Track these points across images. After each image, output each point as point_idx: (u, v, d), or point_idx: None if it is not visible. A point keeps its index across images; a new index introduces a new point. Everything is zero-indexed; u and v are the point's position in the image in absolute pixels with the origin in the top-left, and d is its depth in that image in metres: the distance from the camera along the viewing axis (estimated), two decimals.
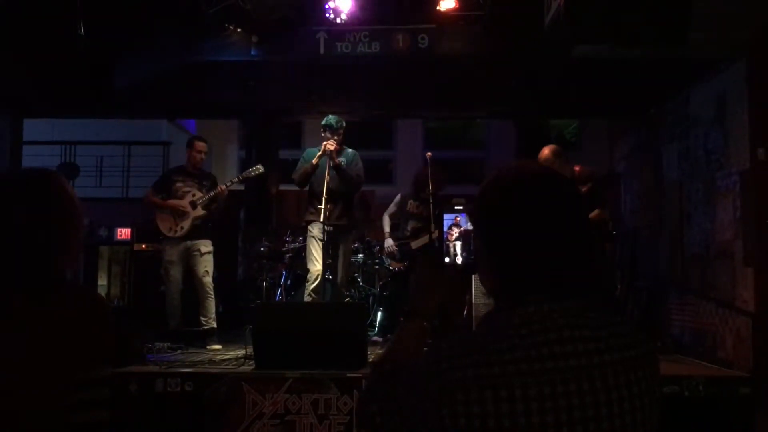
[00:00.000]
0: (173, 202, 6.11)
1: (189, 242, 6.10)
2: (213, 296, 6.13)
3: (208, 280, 6.10)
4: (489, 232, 1.28)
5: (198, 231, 6.14)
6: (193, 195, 6.14)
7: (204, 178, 6.29)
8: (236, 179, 6.37)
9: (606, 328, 1.21)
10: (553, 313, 1.18)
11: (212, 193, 6.12)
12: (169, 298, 6.08)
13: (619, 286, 6.71)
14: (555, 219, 1.21)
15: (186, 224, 6.08)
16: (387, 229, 6.82)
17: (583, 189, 5.64)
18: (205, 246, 6.14)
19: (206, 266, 6.10)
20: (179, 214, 6.08)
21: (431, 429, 1.14)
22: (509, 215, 1.23)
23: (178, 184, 6.20)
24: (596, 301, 1.24)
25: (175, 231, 6.09)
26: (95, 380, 1.47)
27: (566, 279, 1.21)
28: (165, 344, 5.61)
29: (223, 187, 6.16)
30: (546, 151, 5.66)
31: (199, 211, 6.10)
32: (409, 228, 6.72)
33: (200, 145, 6.33)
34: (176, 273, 6.08)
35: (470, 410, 1.11)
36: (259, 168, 6.28)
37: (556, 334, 1.16)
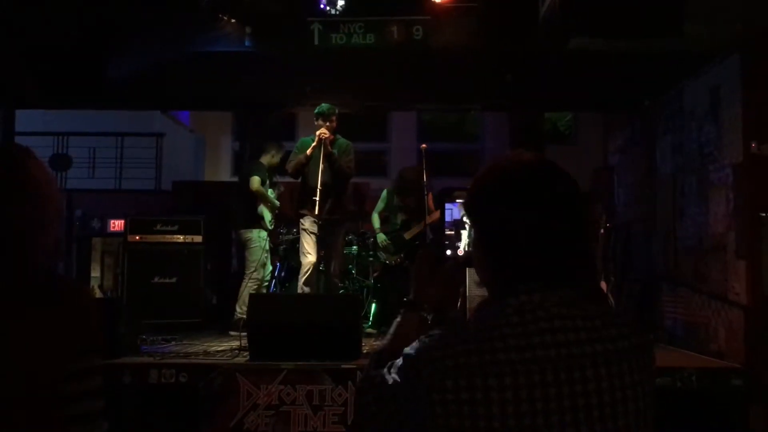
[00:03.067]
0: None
1: None
2: None
3: None
4: (481, 221, 1.29)
5: None
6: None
7: None
8: None
9: (600, 317, 1.22)
10: (545, 302, 1.19)
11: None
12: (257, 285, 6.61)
13: (612, 279, 6.73)
14: (547, 208, 1.22)
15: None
16: (377, 225, 6.87)
17: None
18: None
19: None
20: (273, 211, 6.77)
21: (423, 416, 1.15)
22: (500, 204, 1.24)
23: (268, 183, 6.80)
24: (591, 291, 1.25)
25: (272, 225, 6.79)
26: (85, 371, 1.43)
27: (559, 268, 1.22)
28: (158, 337, 5.62)
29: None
30: None
31: None
32: (398, 221, 6.76)
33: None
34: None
35: (460, 397, 1.12)
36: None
37: (548, 323, 1.17)
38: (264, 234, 6.61)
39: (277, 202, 6.80)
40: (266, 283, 6.73)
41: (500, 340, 1.15)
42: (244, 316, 6.29)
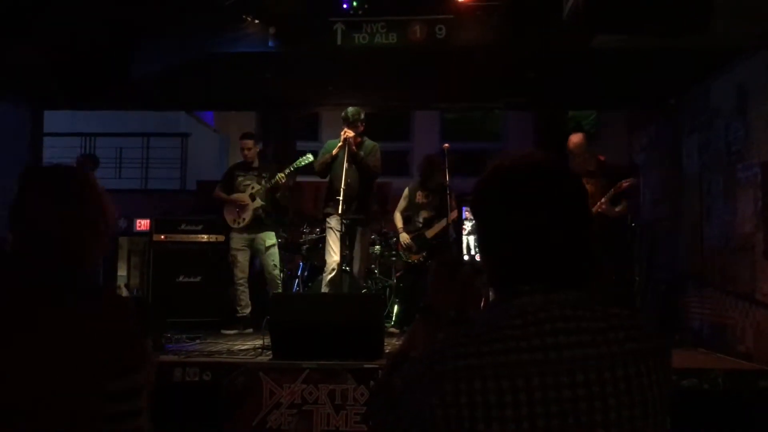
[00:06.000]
0: (236, 195, 6.57)
1: (253, 234, 6.54)
2: (279, 285, 6.61)
3: (277, 273, 6.57)
4: (483, 221, 1.28)
5: (261, 223, 6.56)
6: (252, 188, 6.58)
7: (264, 170, 6.67)
8: (289, 169, 6.55)
9: (606, 320, 1.19)
10: (548, 304, 1.17)
11: (269, 185, 6.50)
12: (236, 285, 6.52)
13: (637, 279, 6.66)
14: (548, 209, 1.20)
15: (247, 216, 6.52)
16: (400, 225, 6.86)
17: (625, 184, 5.68)
18: (270, 239, 6.57)
19: (273, 260, 6.56)
20: (241, 207, 6.53)
21: (426, 420, 1.14)
22: (501, 205, 1.23)
23: (240, 179, 6.66)
24: (598, 293, 1.22)
25: (238, 222, 6.56)
26: (127, 391, 1.42)
27: (562, 269, 1.20)
28: (183, 335, 5.67)
29: (281, 175, 6.46)
30: (575, 139, 5.89)
31: (258, 203, 6.52)
32: (420, 219, 6.75)
33: (244, 142, 6.80)
34: (243, 259, 6.56)
35: (459, 400, 1.11)
36: (309, 157, 6.51)
37: (550, 325, 1.15)
38: (231, 234, 6.59)
39: (241, 196, 6.54)
40: (241, 281, 6.59)
41: (500, 342, 1.13)
42: (242, 315, 6.49)
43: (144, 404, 1.46)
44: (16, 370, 1.36)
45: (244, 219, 6.53)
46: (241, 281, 6.56)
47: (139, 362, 1.47)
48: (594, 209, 5.63)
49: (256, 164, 6.75)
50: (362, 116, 6.05)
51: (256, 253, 6.62)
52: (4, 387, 1.35)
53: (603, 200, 5.67)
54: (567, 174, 1.25)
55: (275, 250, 6.59)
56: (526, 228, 1.19)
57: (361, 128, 6.05)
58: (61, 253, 1.47)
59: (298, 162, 6.55)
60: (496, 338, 1.14)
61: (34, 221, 1.48)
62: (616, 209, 5.69)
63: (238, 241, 6.56)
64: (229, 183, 6.67)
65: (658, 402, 1.18)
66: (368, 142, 6.17)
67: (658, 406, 1.18)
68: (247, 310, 6.52)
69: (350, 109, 6.07)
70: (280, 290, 6.55)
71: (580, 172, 5.91)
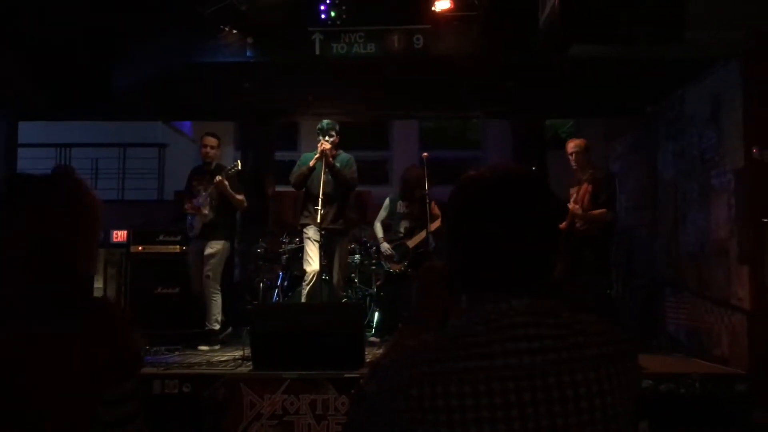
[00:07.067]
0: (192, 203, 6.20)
1: (203, 242, 6.13)
2: (214, 299, 6.08)
3: (208, 282, 6.08)
4: (450, 230, 1.32)
5: (209, 231, 6.14)
6: (201, 194, 6.18)
7: (216, 174, 6.12)
8: (219, 178, 6.05)
9: (569, 326, 1.21)
10: (510, 311, 1.20)
11: (207, 193, 6.08)
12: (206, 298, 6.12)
13: (615, 285, 6.72)
14: (511, 219, 1.22)
15: (198, 224, 6.16)
16: (380, 235, 6.85)
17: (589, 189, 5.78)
18: (211, 247, 6.09)
19: (208, 270, 6.07)
20: (193, 216, 6.20)
21: (395, 425, 1.16)
22: (464, 213, 1.27)
23: (194, 183, 6.31)
24: (563, 299, 1.25)
25: (192, 231, 6.23)
26: (124, 396, 1.44)
27: (525, 277, 1.23)
28: (161, 347, 5.62)
29: (218, 179, 5.99)
30: (570, 143, 6.03)
31: (203, 211, 6.12)
32: (401, 229, 6.76)
33: (207, 139, 6.36)
34: (194, 273, 6.18)
35: (423, 405, 1.13)
36: (236, 165, 6.17)
37: (511, 331, 1.18)
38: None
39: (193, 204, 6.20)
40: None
41: (464, 349, 1.16)
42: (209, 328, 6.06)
43: (140, 407, 1.48)
44: (14, 381, 1.36)
45: (195, 228, 6.20)
46: (199, 295, 6.15)
47: (134, 368, 1.48)
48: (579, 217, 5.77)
49: (208, 168, 6.29)
50: (337, 128, 6.06)
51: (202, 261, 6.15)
52: (2, 398, 1.35)
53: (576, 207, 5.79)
54: (534, 184, 1.27)
55: (215, 261, 6.08)
56: (489, 238, 1.22)
57: (336, 140, 6.05)
58: (53, 264, 1.47)
59: (226, 171, 6.12)
60: (460, 345, 1.17)
61: (24, 233, 1.47)
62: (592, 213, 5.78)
63: (190, 252, 6.31)
64: (189, 189, 6.35)
65: (620, 405, 1.19)
66: (343, 155, 6.19)
67: (620, 409, 1.19)
68: (216, 326, 6.08)
69: (325, 121, 6.08)
70: (211, 298, 6.06)
71: (576, 179, 6.01)
